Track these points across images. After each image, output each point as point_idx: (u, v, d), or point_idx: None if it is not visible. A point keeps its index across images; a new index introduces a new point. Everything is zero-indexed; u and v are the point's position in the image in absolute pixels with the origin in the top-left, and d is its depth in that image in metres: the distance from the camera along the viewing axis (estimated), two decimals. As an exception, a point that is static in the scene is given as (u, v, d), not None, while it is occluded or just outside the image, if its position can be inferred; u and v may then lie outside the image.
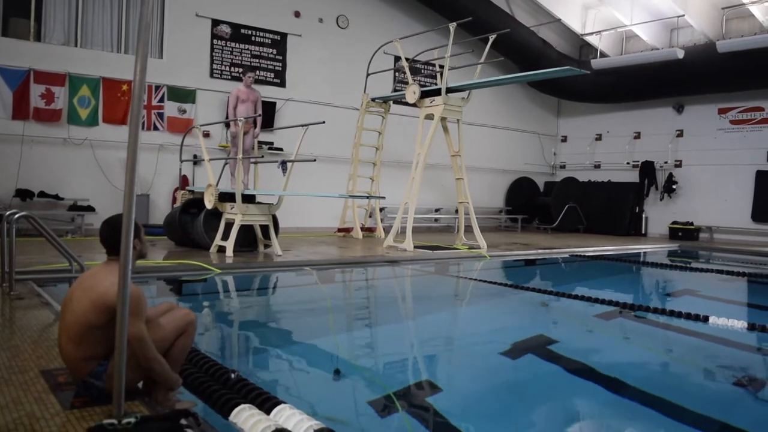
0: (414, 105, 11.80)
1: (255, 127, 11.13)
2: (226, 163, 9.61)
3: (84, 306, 2.73)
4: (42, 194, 11.26)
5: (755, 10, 14.40)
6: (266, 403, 2.88)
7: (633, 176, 17.97)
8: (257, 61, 14.00)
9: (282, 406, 2.83)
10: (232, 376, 3.24)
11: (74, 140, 11.75)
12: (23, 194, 11.02)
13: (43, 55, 11.50)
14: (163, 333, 2.88)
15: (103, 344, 2.74)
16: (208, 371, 3.36)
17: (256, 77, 13.77)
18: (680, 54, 15.09)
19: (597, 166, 19.25)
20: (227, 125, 10.00)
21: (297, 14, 14.55)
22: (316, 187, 12.87)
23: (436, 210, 16.80)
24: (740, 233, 15.97)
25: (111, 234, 2.84)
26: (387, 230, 12.34)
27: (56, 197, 11.38)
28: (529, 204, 18.77)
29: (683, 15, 14.96)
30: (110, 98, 12.08)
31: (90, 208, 11.53)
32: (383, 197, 12.61)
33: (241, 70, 13.09)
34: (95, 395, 2.76)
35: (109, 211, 3.12)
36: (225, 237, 8.98)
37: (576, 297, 6.94)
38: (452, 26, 11.30)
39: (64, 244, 6.01)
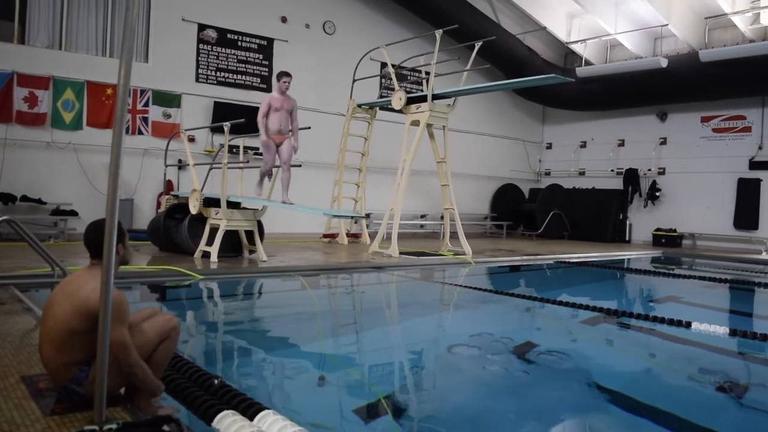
0: (400, 111, 11.82)
1: (291, 136, 10.09)
2: (211, 168, 9.56)
3: (66, 311, 2.70)
4: (25, 198, 11.15)
5: (737, 20, 14.58)
6: (250, 409, 2.86)
7: (617, 183, 18.11)
8: (243, 66, 13.98)
9: (265, 412, 2.81)
10: (215, 381, 3.22)
11: (58, 144, 11.65)
12: (5, 198, 10.89)
13: (27, 58, 11.41)
14: (145, 338, 2.86)
15: (85, 350, 2.71)
16: (191, 377, 3.34)
17: (250, 84, 13.76)
18: (664, 63, 15.24)
19: (582, 173, 19.38)
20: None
21: (284, 20, 14.55)
22: (301, 193, 12.82)
23: (422, 216, 16.82)
24: (722, 240, 16.12)
25: (96, 238, 2.80)
26: (372, 236, 12.34)
27: (39, 201, 11.27)
28: (515, 210, 18.85)
29: (667, 24, 15.12)
30: (95, 102, 12.00)
31: (73, 213, 11.43)
32: (368, 215, 12.60)
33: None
34: (76, 401, 2.74)
35: (92, 216, 3.10)
36: (210, 242, 8.93)
37: (561, 303, 6.97)
38: (438, 33, 11.34)
39: (46, 249, 5.96)
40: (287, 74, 10.07)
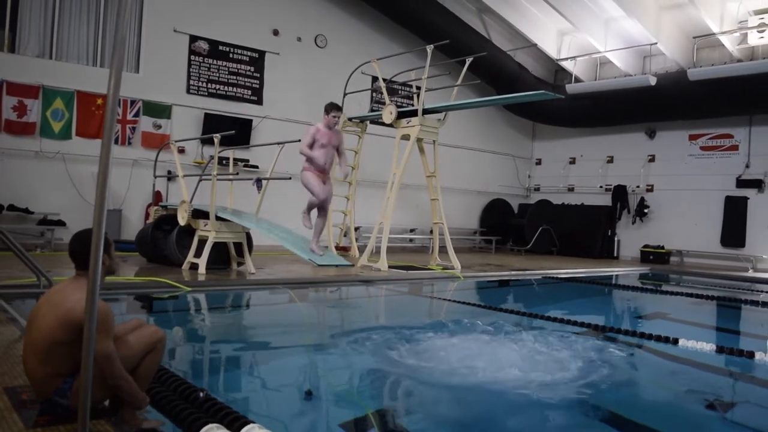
0: (390, 125, 11.85)
1: (340, 167, 9.94)
2: (200, 180, 9.52)
3: (50, 322, 2.68)
4: (12, 207, 11.07)
5: (725, 40, 14.76)
6: (235, 422, 2.84)
7: (606, 200, 18.20)
8: (234, 78, 13.99)
9: (251, 426, 2.79)
10: (201, 394, 3.19)
11: (46, 153, 11.60)
12: (-8, 207, 10.84)
13: (17, 66, 11.37)
14: (131, 350, 2.83)
15: (69, 361, 2.68)
16: (176, 390, 3.31)
17: (242, 96, 13.78)
18: (653, 81, 15.39)
19: (571, 189, 19.47)
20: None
21: (275, 32, 14.59)
22: (291, 206, 12.80)
23: (411, 230, 16.83)
24: (710, 257, 16.21)
25: (80, 248, 2.79)
26: (362, 249, 12.32)
27: (26, 211, 11.19)
28: (504, 225, 18.90)
29: (656, 43, 15.28)
30: (84, 112, 11.96)
31: (61, 223, 11.36)
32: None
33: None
34: (60, 413, 2.71)
35: (80, 226, 3.07)
36: (198, 254, 8.90)
37: (548, 318, 6.98)
38: (430, 48, 11.41)
39: (32, 259, 5.92)
40: (338, 108, 9.46)
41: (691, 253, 16.49)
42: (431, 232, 12.93)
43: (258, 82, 14.37)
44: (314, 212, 10.29)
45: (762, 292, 11.86)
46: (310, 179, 9.60)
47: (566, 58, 17.63)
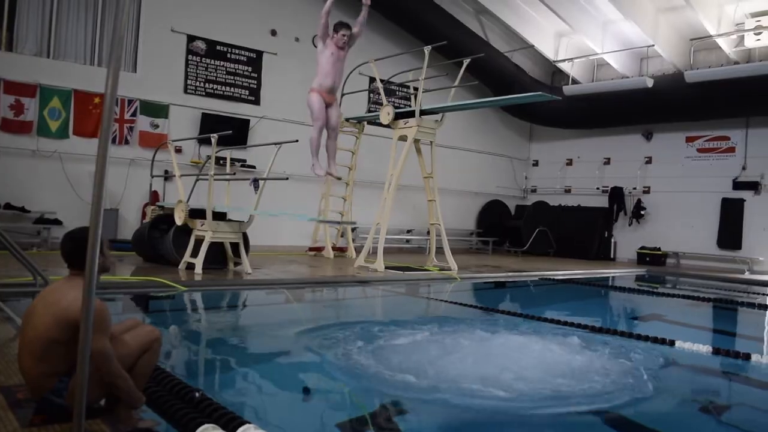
0: (388, 126, 11.85)
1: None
2: (197, 180, 9.52)
3: (46, 321, 2.67)
4: (8, 206, 11.05)
5: (722, 42, 14.80)
6: (231, 422, 2.83)
7: (602, 201, 18.23)
8: (232, 78, 13.98)
9: (247, 426, 2.79)
10: (197, 395, 3.18)
11: (43, 152, 11.58)
12: (-12, 206, 10.82)
13: (14, 65, 11.35)
14: (127, 349, 2.83)
15: (65, 360, 2.68)
16: (171, 390, 3.31)
17: (239, 96, 13.76)
18: (649, 83, 15.42)
19: (567, 191, 19.50)
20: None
21: (273, 33, 14.59)
22: (288, 206, 12.81)
23: (408, 231, 16.83)
24: (706, 259, 16.24)
25: (73, 248, 2.79)
26: (358, 250, 12.32)
27: (23, 210, 11.17)
28: (501, 227, 18.91)
29: (653, 45, 15.32)
30: (82, 111, 11.94)
31: (57, 222, 11.34)
32: (354, 223, 12.61)
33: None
34: (55, 413, 2.70)
35: (76, 225, 3.07)
36: (194, 254, 8.89)
37: (545, 320, 6.98)
38: (427, 49, 11.41)
39: (28, 258, 5.90)
40: (346, 26, 8.74)
41: (688, 254, 16.52)
42: (428, 233, 12.94)
43: (255, 82, 14.36)
44: (324, 137, 9.71)
45: (759, 294, 11.89)
46: (313, 101, 8.95)
47: (563, 60, 17.66)
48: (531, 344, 5.20)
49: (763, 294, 11.92)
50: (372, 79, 13.97)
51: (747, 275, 14.62)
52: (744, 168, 15.91)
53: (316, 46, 9.06)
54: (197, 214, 9.14)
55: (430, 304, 8.94)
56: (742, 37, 14.83)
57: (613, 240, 17.88)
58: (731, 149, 16.23)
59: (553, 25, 17.10)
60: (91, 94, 11.99)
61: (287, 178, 10.34)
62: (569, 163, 19.64)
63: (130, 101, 12.51)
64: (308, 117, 14.30)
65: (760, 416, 4.25)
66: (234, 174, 11.73)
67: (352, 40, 8.72)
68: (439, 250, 11.85)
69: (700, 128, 16.64)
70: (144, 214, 12.01)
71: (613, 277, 13.64)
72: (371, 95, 15.85)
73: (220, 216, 9.20)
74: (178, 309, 7.24)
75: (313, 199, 13.49)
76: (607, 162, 18.64)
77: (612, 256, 17.78)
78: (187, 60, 13.40)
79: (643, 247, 17.07)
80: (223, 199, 10.45)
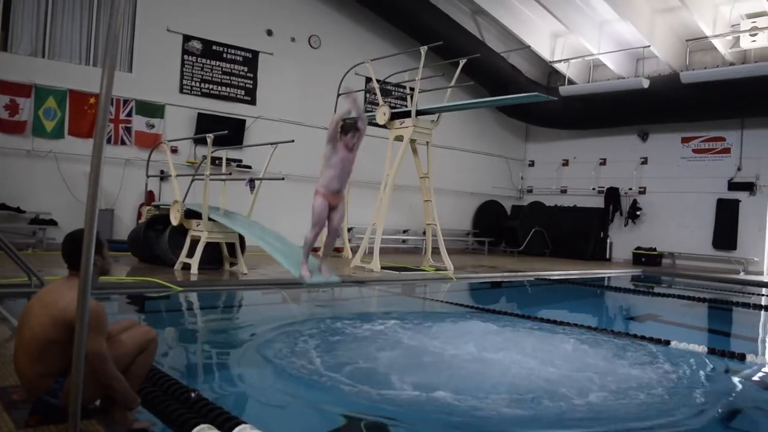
0: (384, 126, 11.86)
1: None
2: (193, 180, 9.50)
3: (43, 322, 2.67)
4: (3, 207, 11.01)
5: (717, 43, 14.84)
6: (227, 423, 2.83)
7: (598, 202, 18.26)
8: (228, 78, 13.96)
9: (243, 426, 2.79)
10: (192, 395, 3.18)
11: (38, 152, 11.54)
12: (-17, 207, 10.78)
13: (9, 65, 11.31)
14: (123, 350, 2.83)
15: (61, 361, 2.67)
16: (167, 390, 3.30)
17: (235, 96, 13.73)
18: (645, 83, 15.45)
19: (563, 191, 19.53)
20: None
21: (269, 33, 14.57)
22: (284, 206, 12.81)
23: (404, 231, 16.84)
24: (701, 259, 16.28)
25: (73, 249, 2.78)
26: (354, 250, 12.32)
27: (18, 210, 11.14)
28: (497, 227, 18.93)
29: (649, 46, 15.34)
30: (77, 111, 11.91)
31: (52, 222, 11.31)
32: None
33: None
34: (51, 413, 2.69)
35: (72, 226, 3.06)
36: (190, 254, 8.88)
37: (540, 320, 6.99)
38: (423, 50, 11.41)
39: (23, 258, 5.89)
40: (355, 128, 7.56)
41: (683, 255, 16.56)
42: (424, 233, 12.95)
43: (251, 82, 14.35)
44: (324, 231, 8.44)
45: (753, 294, 11.93)
46: (316, 206, 7.90)
47: (559, 61, 17.69)
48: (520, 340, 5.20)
49: (758, 294, 11.96)
50: (368, 79, 13.96)
51: (742, 276, 14.66)
52: (739, 169, 15.95)
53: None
54: (193, 214, 9.12)
55: (426, 304, 8.94)
56: (738, 38, 14.87)
57: (608, 240, 17.91)
58: (726, 150, 16.27)
59: (549, 26, 17.13)
60: (86, 94, 11.95)
61: (283, 179, 10.34)
62: (565, 163, 19.67)
63: (126, 101, 12.48)
64: (304, 117, 14.48)
65: (760, 416, 4.26)
66: (230, 174, 11.71)
67: (360, 140, 7.76)
68: (435, 251, 11.86)
69: (696, 129, 16.67)
70: (140, 215, 11.97)
71: (608, 277, 13.67)
72: (367, 95, 15.86)
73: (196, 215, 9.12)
74: (174, 309, 7.23)
75: (309, 198, 13.42)
76: (603, 162, 18.67)
77: (608, 257, 17.81)
78: (182, 60, 13.38)
79: (638, 248, 17.10)
80: (219, 200, 10.43)
